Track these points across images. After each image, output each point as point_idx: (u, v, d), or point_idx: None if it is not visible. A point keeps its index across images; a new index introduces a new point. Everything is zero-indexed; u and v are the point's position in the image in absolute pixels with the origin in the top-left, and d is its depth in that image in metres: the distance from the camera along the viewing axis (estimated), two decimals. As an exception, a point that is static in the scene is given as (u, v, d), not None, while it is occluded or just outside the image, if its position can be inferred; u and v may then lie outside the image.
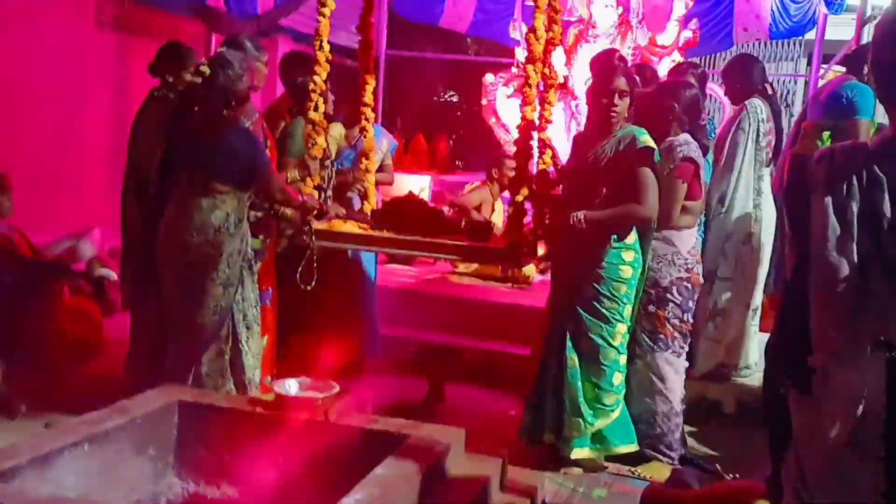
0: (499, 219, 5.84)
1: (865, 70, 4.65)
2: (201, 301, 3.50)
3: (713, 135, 4.61)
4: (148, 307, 3.82)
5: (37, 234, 4.94)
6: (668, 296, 3.74)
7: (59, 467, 2.63)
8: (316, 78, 4.03)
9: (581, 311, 3.62)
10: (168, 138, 3.63)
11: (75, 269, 5.17)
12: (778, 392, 1.90)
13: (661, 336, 3.74)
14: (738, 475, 3.17)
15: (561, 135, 5.77)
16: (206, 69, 3.46)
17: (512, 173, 5.75)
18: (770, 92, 4.50)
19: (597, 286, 3.59)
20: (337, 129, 4.45)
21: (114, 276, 5.37)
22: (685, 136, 3.82)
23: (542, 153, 4.09)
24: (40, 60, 5.67)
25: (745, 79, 4.48)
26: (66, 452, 2.67)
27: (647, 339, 3.77)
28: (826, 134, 4.48)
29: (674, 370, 3.78)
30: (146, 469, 2.97)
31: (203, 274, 3.50)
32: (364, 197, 4.53)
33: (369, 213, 4.40)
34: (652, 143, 3.56)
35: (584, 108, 5.94)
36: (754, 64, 4.58)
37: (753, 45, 10.19)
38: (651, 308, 3.75)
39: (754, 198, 4.37)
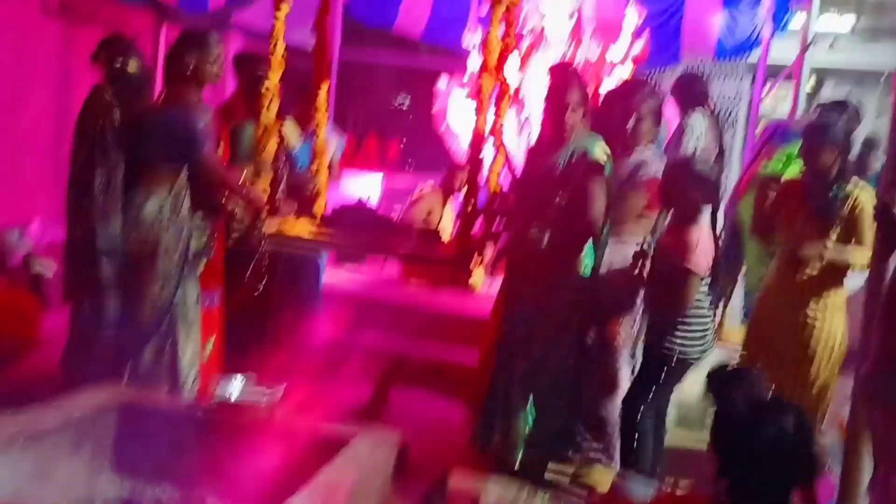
0: (448, 224, 5.87)
1: None
2: (137, 297, 3.43)
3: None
4: (88, 302, 3.72)
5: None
6: (620, 303, 3.79)
7: (-8, 466, 2.56)
8: (268, 81, 3.99)
9: (534, 319, 3.65)
10: (103, 130, 3.52)
11: (11, 264, 5.02)
12: (731, 414, 1.98)
13: (615, 343, 3.79)
14: (676, 481, 3.24)
15: (512, 143, 5.82)
16: (133, 63, 3.42)
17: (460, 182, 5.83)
18: (711, 110, 4.65)
19: (550, 294, 3.63)
20: (289, 126, 4.41)
21: (51, 271, 5.23)
22: (652, 152, 3.86)
23: (495, 160, 4.12)
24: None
25: (689, 94, 4.62)
26: (-2, 451, 2.59)
27: (599, 346, 3.83)
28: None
29: (625, 376, 3.83)
30: (82, 469, 2.90)
31: (139, 269, 3.42)
32: (315, 198, 4.50)
33: (319, 218, 4.38)
34: (602, 158, 3.60)
35: (534, 118, 6.01)
36: (697, 82, 4.73)
37: (699, 63, 10.41)
38: (603, 315, 3.80)
39: None
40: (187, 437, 2.97)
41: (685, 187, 3.32)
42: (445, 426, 4.10)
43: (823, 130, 3.61)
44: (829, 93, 14.11)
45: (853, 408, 2.47)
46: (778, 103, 12.46)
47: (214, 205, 3.75)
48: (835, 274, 3.58)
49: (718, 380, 2.83)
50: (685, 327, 3.35)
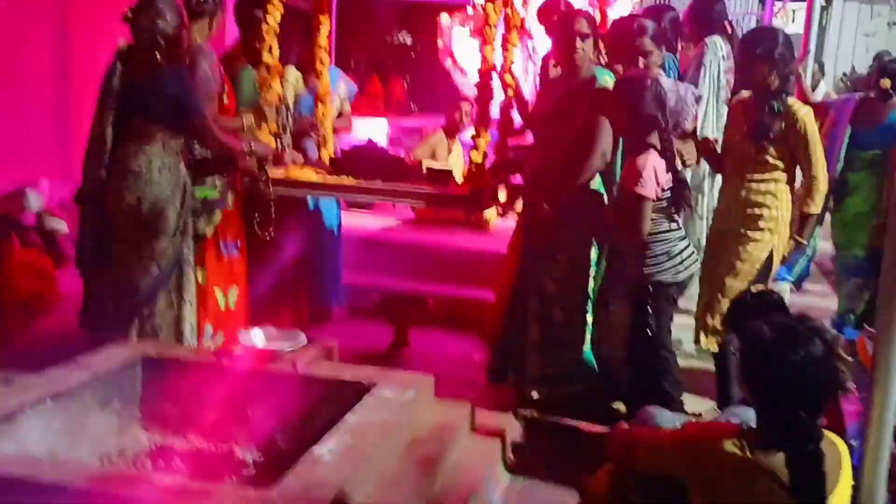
0: (457, 160, 5.81)
1: None
2: (137, 253, 3.42)
3: (671, 73, 4.61)
4: (92, 257, 3.68)
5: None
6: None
7: (24, 425, 2.60)
8: (269, 18, 3.92)
9: (551, 256, 3.64)
10: (107, 87, 3.48)
11: (24, 223, 5.03)
12: (756, 341, 1.97)
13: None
14: (701, 414, 3.25)
15: (519, 76, 5.73)
16: (128, 14, 3.36)
17: (467, 117, 5.75)
18: (730, 30, 4.51)
19: (567, 231, 3.61)
20: (292, 74, 4.34)
21: (64, 227, 5.24)
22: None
23: (504, 95, 4.05)
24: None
25: (706, 17, 4.47)
26: (29, 410, 2.63)
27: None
28: None
29: None
30: (112, 423, 2.95)
31: (135, 225, 3.41)
32: (322, 144, 4.45)
33: (328, 161, 4.34)
34: (609, 85, 3.54)
35: (540, 49, 5.90)
36: (715, 2, 4.58)
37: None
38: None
39: (716, 135, 4.41)
40: (212, 386, 3.00)
41: (628, 111, 3.29)
42: (465, 364, 4.13)
43: (752, 45, 3.46)
44: (839, 5, 13.80)
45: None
46: (788, 22, 12.20)
47: (221, 158, 3.71)
48: (777, 192, 3.48)
49: (739, 309, 2.83)
50: (649, 251, 3.33)
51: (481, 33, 3.93)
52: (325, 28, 4.52)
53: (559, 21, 3.64)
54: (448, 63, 6.68)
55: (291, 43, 4.33)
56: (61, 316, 4.31)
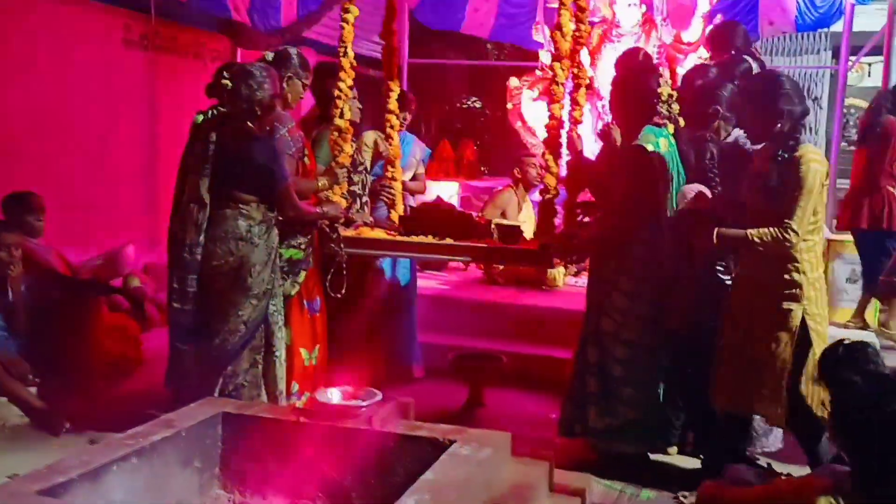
0: (528, 216, 5.83)
1: None
2: (228, 312, 3.52)
3: None
4: (182, 318, 3.79)
5: (71, 252, 5.00)
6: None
7: (108, 482, 2.64)
8: (341, 84, 4.06)
9: (605, 311, 3.63)
10: (202, 154, 3.63)
11: (112, 286, 5.21)
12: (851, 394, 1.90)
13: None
14: (790, 473, 3.11)
15: (588, 136, 5.76)
16: (227, 82, 3.49)
17: (533, 170, 5.80)
18: (758, 55, 4.46)
19: (617, 287, 3.61)
20: (370, 137, 4.46)
21: (149, 291, 5.41)
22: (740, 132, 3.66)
23: (570, 152, 4.08)
24: (70, 80, 5.74)
25: (728, 43, 4.42)
26: (114, 467, 2.67)
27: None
28: None
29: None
30: (192, 481, 2.98)
31: (229, 285, 3.51)
32: (391, 205, 4.53)
33: (397, 221, 4.40)
34: (644, 143, 3.57)
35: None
36: (736, 28, 4.54)
37: (778, 37, 10.10)
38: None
39: None
40: (290, 444, 3.02)
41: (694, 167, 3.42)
42: (541, 423, 4.07)
43: (744, 96, 3.28)
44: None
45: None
46: (863, 76, 11.97)
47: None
48: (796, 253, 3.10)
49: (832, 361, 2.71)
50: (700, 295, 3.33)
51: (549, 94, 3.98)
52: (395, 93, 4.64)
53: (624, 77, 3.69)
54: (518, 125, 6.75)
55: (367, 109, 4.47)
56: (145, 376, 4.43)
